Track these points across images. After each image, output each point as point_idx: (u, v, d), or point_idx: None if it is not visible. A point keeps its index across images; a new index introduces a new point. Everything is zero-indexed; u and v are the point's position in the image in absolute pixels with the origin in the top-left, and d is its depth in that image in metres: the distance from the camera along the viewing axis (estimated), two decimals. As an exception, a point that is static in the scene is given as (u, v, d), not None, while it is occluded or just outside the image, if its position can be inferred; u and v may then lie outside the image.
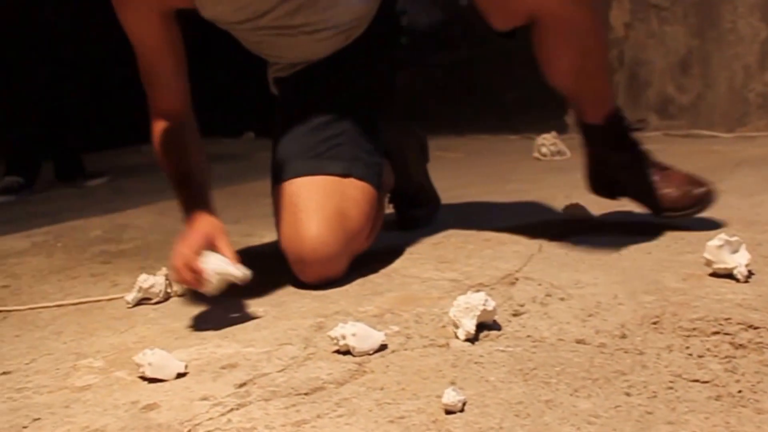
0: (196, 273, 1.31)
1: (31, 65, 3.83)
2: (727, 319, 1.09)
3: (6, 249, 2.29)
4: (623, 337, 1.07)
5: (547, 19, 1.52)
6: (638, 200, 1.67)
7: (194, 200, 1.49)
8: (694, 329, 1.07)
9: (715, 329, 1.06)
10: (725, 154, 2.66)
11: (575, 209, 1.83)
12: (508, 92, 3.93)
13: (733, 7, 3.03)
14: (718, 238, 1.27)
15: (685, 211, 1.61)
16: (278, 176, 1.63)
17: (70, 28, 4.02)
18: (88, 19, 4.27)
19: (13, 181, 3.71)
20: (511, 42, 1.65)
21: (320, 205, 1.53)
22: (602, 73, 1.65)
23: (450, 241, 1.77)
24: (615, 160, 1.67)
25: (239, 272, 1.31)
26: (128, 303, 1.51)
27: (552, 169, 2.78)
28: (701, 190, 1.61)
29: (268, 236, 2.02)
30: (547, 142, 3.04)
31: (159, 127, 1.62)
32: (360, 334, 1.11)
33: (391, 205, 1.96)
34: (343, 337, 1.11)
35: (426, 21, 1.67)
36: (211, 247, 1.36)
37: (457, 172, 2.88)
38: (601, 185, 1.73)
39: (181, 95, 1.63)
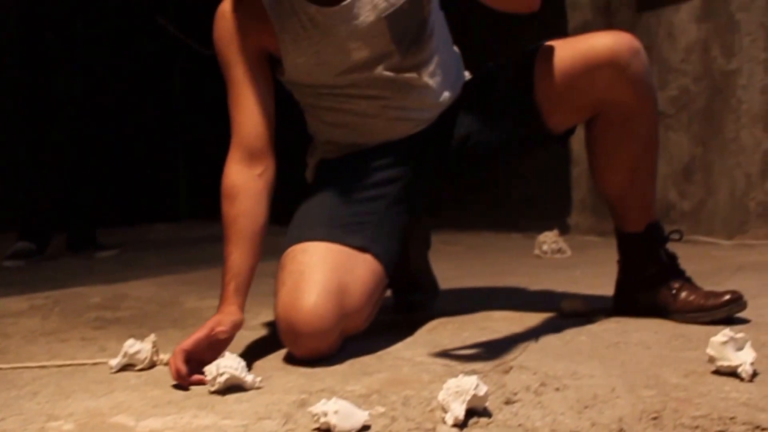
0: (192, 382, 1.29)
1: (55, 136, 3.81)
2: (731, 418, 0.99)
3: (3, 310, 2.21)
4: (621, 431, 0.97)
5: (613, 112, 1.56)
6: (659, 314, 1.63)
7: (227, 286, 1.47)
8: (697, 427, 0.97)
9: (719, 428, 0.96)
10: (725, 260, 2.59)
11: (574, 303, 1.74)
12: (513, 190, 3.88)
13: (736, 117, 3.00)
14: (722, 334, 1.18)
15: (713, 312, 1.55)
16: (295, 236, 1.56)
17: (95, 103, 4.01)
18: (113, 96, 4.28)
19: (25, 247, 3.64)
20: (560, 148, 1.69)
21: (325, 276, 1.46)
22: (654, 175, 1.66)
23: (446, 327, 1.68)
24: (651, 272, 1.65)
25: (249, 380, 1.25)
26: (112, 368, 1.42)
27: (552, 266, 2.71)
28: (729, 296, 1.56)
29: (263, 314, 1.94)
30: (549, 239, 2.97)
31: (233, 170, 1.60)
32: (342, 412, 1.01)
33: (389, 289, 1.87)
34: (325, 414, 1.01)
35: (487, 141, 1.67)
36: (213, 345, 1.34)
37: (458, 264, 2.81)
38: (626, 300, 1.70)
39: (264, 129, 1.60)
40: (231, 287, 1.47)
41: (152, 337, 1.47)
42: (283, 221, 1.66)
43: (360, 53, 1.58)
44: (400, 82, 1.61)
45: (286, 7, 1.57)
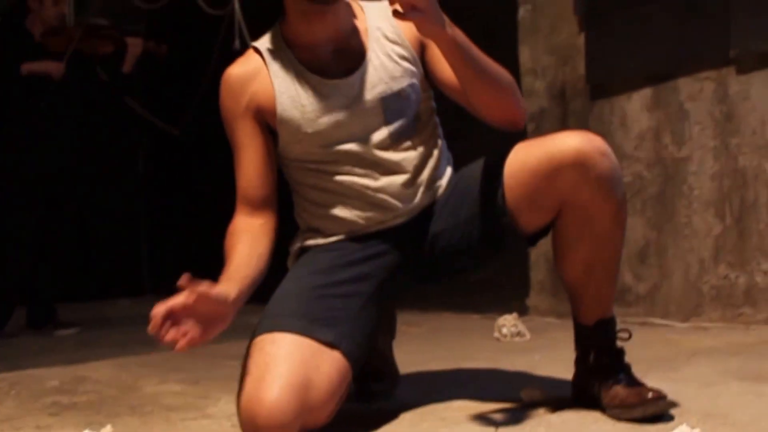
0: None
1: (16, 213, 3.77)
2: None
3: (-43, 394, 2.14)
4: None
5: (575, 210, 1.56)
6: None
7: (223, 275, 1.57)
8: None
9: None
10: (680, 344, 2.60)
11: (533, 392, 1.73)
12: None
13: (688, 203, 3.06)
14: (678, 430, 1.17)
15: (632, 410, 1.53)
16: (266, 325, 1.56)
17: (60, 179, 3.99)
18: (78, 170, 4.25)
19: (-17, 325, 3.57)
20: (533, 247, 1.70)
21: (291, 371, 1.45)
22: (611, 274, 1.65)
23: (405, 418, 1.66)
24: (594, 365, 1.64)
25: None
26: (66, 462, 1.38)
27: (512, 350, 2.70)
28: (650, 394, 1.53)
29: (224, 399, 1.90)
30: (508, 323, 2.96)
31: (236, 219, 1.72)
32: None
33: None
34: None
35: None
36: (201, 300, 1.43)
37: (419, 347, 2.79)
38: (581, 388, 1.68)
39: (265, 187, 1.70)
40: (227, 275, 1.57)
41: (108, 428, 1.43)
42: (261, 299, 1.65)
43: (351, 128, 1.64)
44: (385, 165, 1.65)
45: (291, 74, 1.65)
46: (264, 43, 1.71)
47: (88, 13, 4.92)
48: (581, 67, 3.40)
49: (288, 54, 1.67)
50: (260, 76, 1.66)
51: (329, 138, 1.64)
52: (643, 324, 3.10)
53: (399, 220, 1.68)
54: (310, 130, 1.64)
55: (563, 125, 3.45)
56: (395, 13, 1.47)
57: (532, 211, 1.60)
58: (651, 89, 3.18)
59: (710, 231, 3.01)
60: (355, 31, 1.70)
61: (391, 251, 1.69)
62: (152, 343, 3.32)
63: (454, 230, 1.67)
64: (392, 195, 1.66)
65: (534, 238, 1.67)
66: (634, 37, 3.20)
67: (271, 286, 1.69)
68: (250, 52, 1.71)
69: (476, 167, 1.70)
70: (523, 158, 1.59)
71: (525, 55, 3.60)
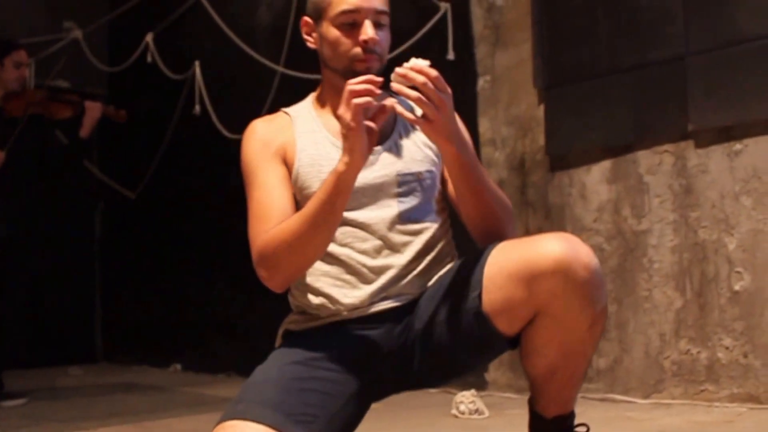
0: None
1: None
2: None
3: None
4: None
5: (548, 318, 1.48)
6: None
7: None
8: None
9: None
10: (642, 423, 2.54)
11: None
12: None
13: (648, 276, 3.02)
14: None
15: None
16: (239, 409, 1.48)
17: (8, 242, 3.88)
18: (31, 233, 4.14)
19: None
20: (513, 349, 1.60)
21: None
22: (576, 379, 1.57)
23: None
24: None
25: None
26: None
27: (469, 428, 2.61)
28: None
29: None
30: (466, 399, 2.88)
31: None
32: None
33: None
34: None
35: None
36: None
37: (376, 424, 2.68)
38: None
39: (290, 211, 1.66)
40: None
41: None
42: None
43: (362, 198, 1.63)
44: (387, 244, 1.62)
45: (314, 136, 1.67)
46: (293, 108, 1.76)
47: (49, 77, 4.88)
48: (540, 139, 3.38)
49: (315, 119, 1.71)
50: (287, 132, 1.70)
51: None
52: (604, 400, 3.03)
53: (385, 305, 1.62)
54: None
55: (522, 196, 3.41)
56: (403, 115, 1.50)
57: (509, 316, 1.51)
58: (610, 161, 3.17)
59: (671, 305, 2.97)
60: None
61: (377, 349, 1.61)
62: (101, 417, 3.19)
63: (433, 331, 1.60)
64: (386, 277, 1.61)
65: (515, 342, 1.57)
66: (593, 110, 3.20)
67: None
68: (279, 113, 1.76)
69: (460, 264, 1.64)
70: (503, 261, 1.52)
71: (484, 125, 3.58)
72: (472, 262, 1.59)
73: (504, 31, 3.54)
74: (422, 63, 1.49)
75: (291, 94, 4.32)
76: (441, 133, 1.51)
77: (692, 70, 2.90)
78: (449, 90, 1.50)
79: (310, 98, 1.76)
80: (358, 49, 1.61)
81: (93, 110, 4.07)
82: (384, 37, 1.65)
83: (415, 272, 1.63)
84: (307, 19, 1.71)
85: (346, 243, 1.63)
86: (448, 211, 1.75)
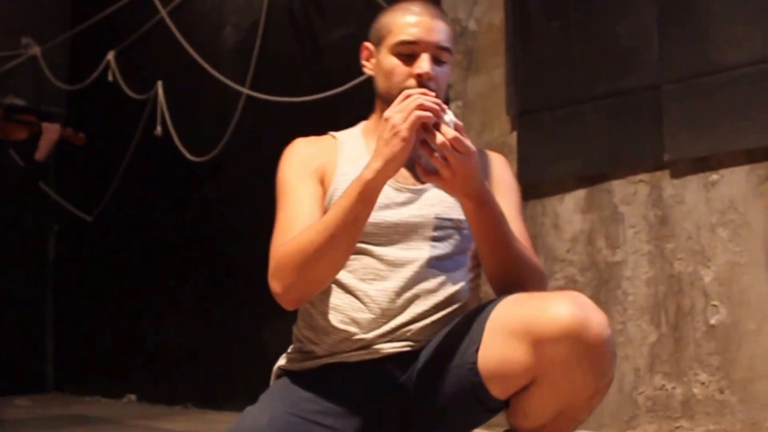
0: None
1: None
2: None
3: None
4: None
5: (544, 388, 1.37)
6: None
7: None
8: None
9: None
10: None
11: None
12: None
13: (622, 309, 2.97)
14: None
15: None
16: None
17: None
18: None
19: None
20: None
21: None
22: None
23: None
24: None
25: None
26: None
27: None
28: None
29: None
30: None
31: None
32: None
33: None
34: None
35: None
36: None
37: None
38: None
39: None
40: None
41: None
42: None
43: (393, 235, 1.58)
44: (409, 287, 1.56)
45: (358, 161, 1.58)
46: (342, 132, 1.74)
47: (5, 94, 4.77)
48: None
49: (362, 146, 1.67)
50: (330, 154, 1.67)
51: (369, 234, 1.56)
52: (577, 436, 2.96)
53: (390, 348, 1.54)
54: None
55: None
56: (419, 166, 1.46)
57: (504, 380, 1.41)
58: (584, 190, 3.12)
59: (645, 339, 2.92)
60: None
61: (378, 398, 1.53)
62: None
63: (429, 382, 1.52)
64: (398, 321, 1.54)
65: (508, 403, 1.48)
66: (567, 138, 3.16)
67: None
68: (325, 136, 1.74)
69: (466, 314, 1.56)
70: (506, 317, 1.42)
71: (456, 151, 3.53)
72: (477, 312, 1.50)
73: (477, 57, 3.50)
74: (447, 118, 1.43)
75: (256, 117, 4.33)
76: (456, 190, 1.47)
77: (668, 99, 2.88)
78: (471, 149, 1.43)
79: (361, 126, 1.74)
80: (412, 82, 1.57)
81: (50, 132, 3.99)
82: (442, 74, 1.61)
83: (428, 320, 1.55)
84: (367, 44, 1.68)
85: (366, 278, 1.56)
86: (479, 270, 1.67)
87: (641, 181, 2.97)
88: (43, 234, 5.63)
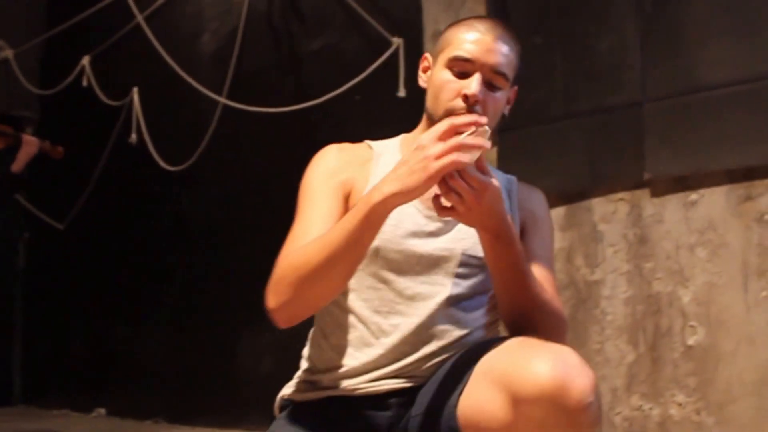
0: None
1: None
2: None
3: None
4: None
5: None
6: None
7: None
8: None
9: None
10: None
11: None
12: None
13: (600, 329, 2.97)
14: None
15: None
16: None
17: None
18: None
19: None
20: None
21: None
22: None
23: None
24: None
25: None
26: None
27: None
28: None
29: None
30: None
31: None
32: None
33: None
34: None
35: None
36: None
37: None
38: None
39: None
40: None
41: None
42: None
43: (415, 266, 1.50)
44: (426, 325, 1.49)
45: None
46: (380, 143, 1.64)
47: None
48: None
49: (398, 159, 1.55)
50: (363, 167, 1.58)
51: (390, 261, 1.51)
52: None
53: (393, 384, 1.49)
54: (376, 241, 1.46)
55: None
56: (434, 200, 1.36)
57: (479, 427, 1.32)
58: (564, 208, 3.12)
59: (623, 359, 2.92)
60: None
61: None
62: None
63: (423, 421, 1.45)
64: (407, 360, 1.49)
65: None
66: (547, 155, 3.16)
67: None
68: (362, 144, 1.65)
69: (465, 351, 1.49)
70: (494, 362, 1.34)
71: (435, 166, 3.52)
72: (475, 351, 1.43)
73: (458, 70, 3.50)
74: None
75: (233, 126, 4.30)
76: (473, 223, 1.39)
77: (650, 117, 2.88)
78: (486, 183, 1.33)
79: (400, 139, 1.65)
80: (459, 102, 1.48)
81: (29, 145, 3.96)
82: (492, 101, 1.49)
83: (437, 360, 1.50)
84: (427, 55, 1.61)
85: (381, 311, 1.50)
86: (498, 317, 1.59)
87: (621, 199, 2.98)
88: (11, 242, 5.55)
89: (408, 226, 1.50)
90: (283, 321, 1.45)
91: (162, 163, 4.53)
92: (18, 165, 3.93)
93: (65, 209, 5.14)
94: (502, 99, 1.53)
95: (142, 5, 4.74)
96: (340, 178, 1.56)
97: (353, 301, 1.53)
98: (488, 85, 1.50)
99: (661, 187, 2.87)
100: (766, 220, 2.65)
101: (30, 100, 5.48)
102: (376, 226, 1.37)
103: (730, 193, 2.71)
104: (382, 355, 1.49)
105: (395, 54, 3.65)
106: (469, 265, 1.52)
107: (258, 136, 4.11)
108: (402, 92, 3.57)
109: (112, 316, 4.87)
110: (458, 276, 1.51)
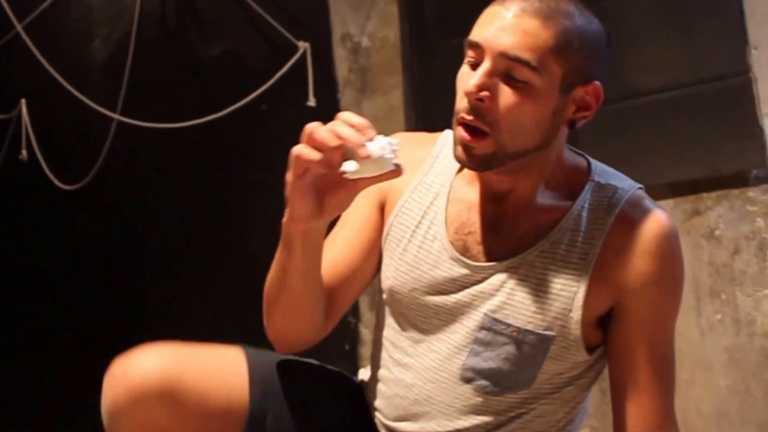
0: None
1: None
2: None
3: None
4: None
5: None
6: None
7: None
8: None
9: None
10: None
11: None
12: None
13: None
14: None
15: None
16: None
17: None
18: None
19: None
20: None
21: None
22: None
23: None
24: None
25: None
26: None
27: None
28: None
29: None
30: None
31: None
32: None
33: None
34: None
35: None
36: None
37: None
38: None
39: (337, 269, 1.28)
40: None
41: None
42: None
43: (433, 319, 1.21)
44: (422, 395, 1.22)
45: (438, 201, 1.25)
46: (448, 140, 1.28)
47: None
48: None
49: (451, 170, 1.27)
50: (410, 170, 1.19)
51: (409, 307, 1.24)
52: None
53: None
54: (401, 260, 1.24)
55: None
56: None
57: None
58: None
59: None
60: (547, 210, 1.21)
61: None
62: None
63: None
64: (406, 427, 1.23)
65: None
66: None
67: None
68: (436, 136, 1.34)
69: None
70: None
71: (352, 180, 3.17)
72: None
73: (371, 76, 3.13)
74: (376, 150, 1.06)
75: (132, 143, 3.85)
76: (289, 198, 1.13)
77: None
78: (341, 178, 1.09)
79: None
80: (463, 103, 1.14)
81: None
82: (506, 102, 1.11)
83: None
84: None
85: (393, 356, 1.25)
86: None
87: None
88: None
89: (424, 268, 1.22)
90: (277, 346, 1.27)
91: (56, 182, 4.05)
92: None
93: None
94: (530, 98, 1.11)
95: (23, 12, 4.20)
96: (380, 184, 1.21)
97: (383, 337, 1.31)
98: (505, 78, 1.12)
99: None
100: (717, 236, 2.38)
101: None
102: (295, 252, 1.13)
103: (676, 208, 2.44)
104: (388, 406, 1.27)
105: (303, 60, 3.24)
106: (491, 330, 1.17)
107: (158, 151, 3.68)
108: (312, 101, 3.18)
109: (87, 331, 4.31)
110: (475, 342, 1.17)
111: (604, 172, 1.27)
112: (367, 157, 1.01)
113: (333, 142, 1.01)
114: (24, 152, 4.17)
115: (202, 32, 3.70)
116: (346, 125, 1.02)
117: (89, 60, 4.10)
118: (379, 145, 1.02)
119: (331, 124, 1.03)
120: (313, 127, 1.03)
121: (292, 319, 1.22)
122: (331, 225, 1.31)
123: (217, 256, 3.44)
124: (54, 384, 4.13)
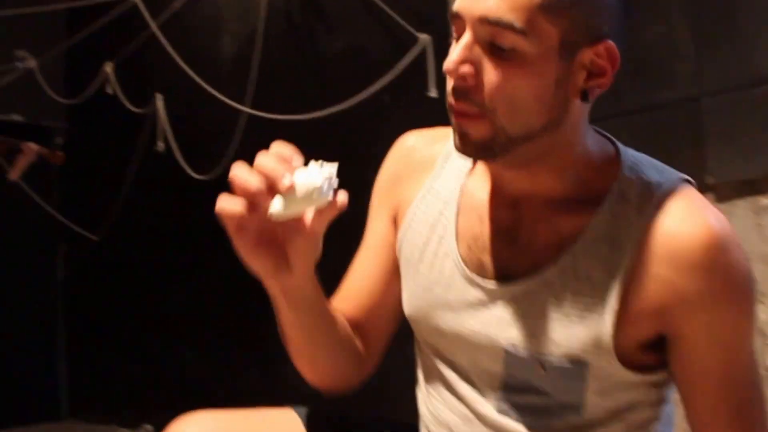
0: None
1: None
2: None
3: None
4: None
5: None
6: None
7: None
8: None
9: None
10: None
11: None
12: None
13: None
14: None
15: None
16: None
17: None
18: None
19: None
20: None
21: None
22: None
23: None
24: None
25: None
26: None
27: None
28: None
29: None
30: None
31: None
32: None
33: None
34: None
35: None
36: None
37: None
38: None
39: (370, 303, 1.17)
40: None
41: None
42: None
43: (458, 342, 1.05)
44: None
45: (447, 210, 1.09)
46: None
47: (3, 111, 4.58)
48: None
49: (462, 175, 1.10)
50: (422, 173, 1.13)
51: (436, 336, 1.09)
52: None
53: None
54: (415, 281, 1.10)
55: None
56: None
57: None
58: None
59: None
60: (570, 215, 1.02)
61: None
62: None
63: None
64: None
65: None
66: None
67: None
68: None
69: None
70: None
71: (473, 170, 3.20)
72: None
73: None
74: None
75: (260, 135, 3.98)
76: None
77: (708, 114, 2.53)
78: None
79: None
80: (449, 86, 0.97)
81: (28, 152, 3.72)
82: (493, 77, 0.92)
83: None
84: None
85: (435, 387, 1.14)
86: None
87: (682, 206, 2.64)
88: (49, 252, 5.32)
89: (438, 291, 1.07)
90: (321, 391, 1.20)
91: (190, 172, 4.25)
92: (15, 173, 3.69)
93: (98, 219, 4.88)
94: (526, 71, 0.93)
95: (157, 12, 4.41)
96: (393, 192, 1.17)
97: (418, 369, 1.20)
98: (489, 48, 0.93)
99: (728, 192, 2.52)
100: None
101: (57, 109, 5.22)
102: (284, 311, 1.06)
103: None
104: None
105: (423, 51, 3.29)
106: (517, 365, 1.00)
107: (286, 142, 3.80)
108: (433, 92, 3.22)
109: (155, 329, 4.62)
110: (506, 388, 1.02)
111: (637, 162, 1.07)
112: (292, 190, 0.88)
113: (253, 184, 0.90)
114: (160, 144, 4.39)
115: (325, 27, 3.80)
116: (269, 156, 0.92)
117: (219, 56, 4.28)
118: (307, 175, 0.90)
119: (256, 159, 0.93)
120: (234, 172, 0.93)
121: (316, 369, 1.14)
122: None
123: (349, 242, 3.54)
124: (210, 368, 4.37)
